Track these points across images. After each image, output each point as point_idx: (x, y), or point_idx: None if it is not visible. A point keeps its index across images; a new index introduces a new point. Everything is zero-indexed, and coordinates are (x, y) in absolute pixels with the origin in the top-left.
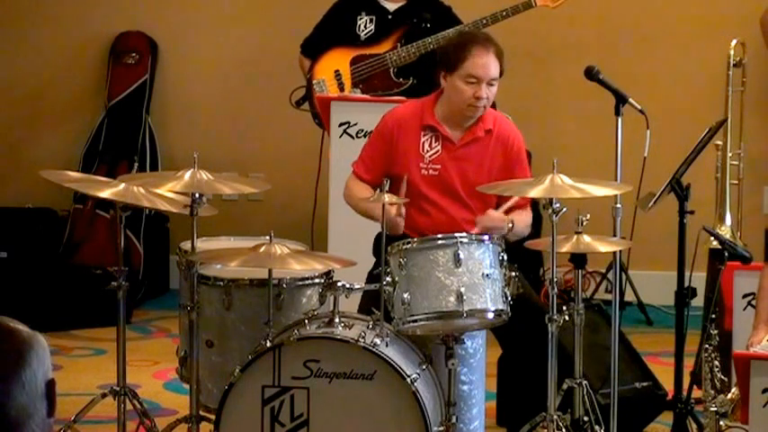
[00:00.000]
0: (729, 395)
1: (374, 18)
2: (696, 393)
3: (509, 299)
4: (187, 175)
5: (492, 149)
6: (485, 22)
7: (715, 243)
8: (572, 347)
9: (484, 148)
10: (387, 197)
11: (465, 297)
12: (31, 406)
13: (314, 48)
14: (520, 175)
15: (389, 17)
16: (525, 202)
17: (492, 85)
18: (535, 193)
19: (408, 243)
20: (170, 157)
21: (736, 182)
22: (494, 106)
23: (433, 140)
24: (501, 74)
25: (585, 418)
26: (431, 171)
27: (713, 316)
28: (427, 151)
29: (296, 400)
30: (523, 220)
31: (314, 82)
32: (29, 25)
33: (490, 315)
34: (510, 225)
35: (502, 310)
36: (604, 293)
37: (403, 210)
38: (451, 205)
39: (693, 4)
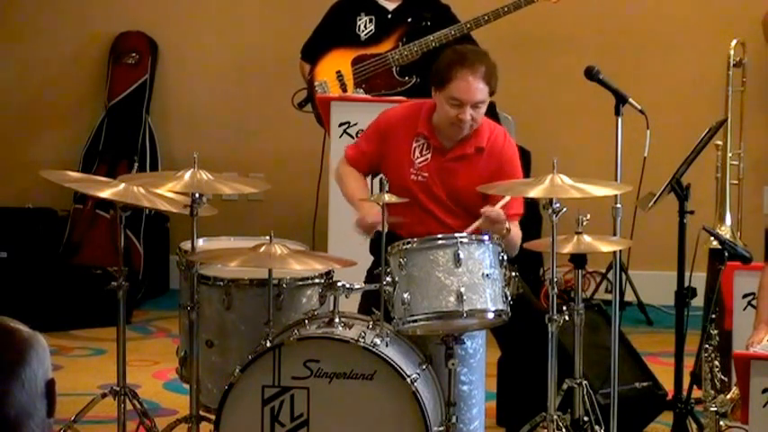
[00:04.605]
0: (729, 395)
1: (373, 18)
2: (696, 393)
3: (509, 299)
4: (187, 175)
5: (482, 167)
6: (486, 18)
7: (715, 243)
8: (572, 347)
9: (472, 165)
10: (387, 197)
11: (465, 297)
12: (31, 406)
13: (314, 52)
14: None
15: (389, 16)
16: (515, 213)
17: (478, 107)
18: (535, 193)
19: (408, 243)
20: (170, 157)
21: (736, 182)
22: (494, 106)
23: (425, 148)
24: (492, 93)
25: (585, 418)
26: (420, 177)
27: (713, 316)
28: (417, 158)
29: (296, 400)
30: (516, 232)
31: (316, 84)
32: (29, 25)
33: (490, 315)
34: (508, 227)
35: (502, 311)
36: (604, 293)
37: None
38: (441, 212)
39: (694, 4)
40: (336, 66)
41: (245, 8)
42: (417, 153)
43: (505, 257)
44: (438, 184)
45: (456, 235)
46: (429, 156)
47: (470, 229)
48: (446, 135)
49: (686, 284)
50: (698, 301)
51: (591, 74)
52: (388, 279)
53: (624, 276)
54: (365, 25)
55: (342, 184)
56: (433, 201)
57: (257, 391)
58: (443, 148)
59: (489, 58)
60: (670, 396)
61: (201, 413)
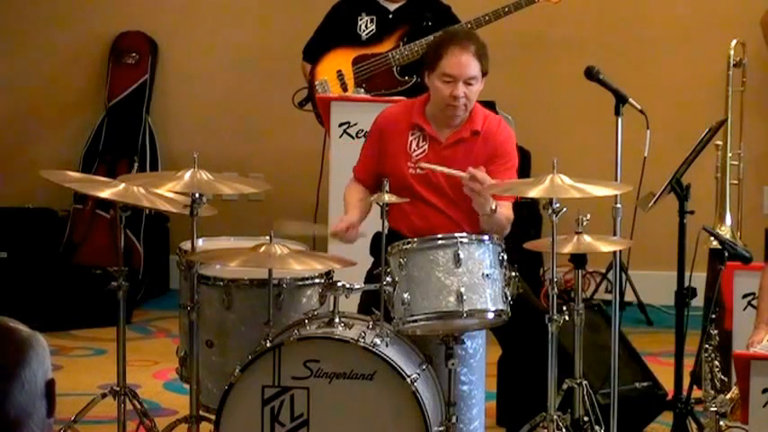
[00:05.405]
0: (729, 395)
1: (375, 18)
2: (696, 393)
3: (509, 299)
4: (187, 175)
5: (477, 150)
6: (487, 18)
7: (715, 243)
8: (572, 347)
9: (469, 150)
10: (387, 197)
11: (465, 297)
12: (31, 406)
13: (315, 52)
14: (498, 175)
15: (390, 17)
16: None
17: (470, 84)
18: (535, 193)
19: (408, 243)
20: (170, 157)
21: (736, 182)
22: (494, 106)
23: (421, 140)
24: (485, 73)
25: (585, 418)
26: (418, 170)
27: (713, 316)
28: (414, 150)
29: (296, 400)
30: (505, 213)
31: (316, 83)
32: (29, 25)
33: (490, 315)
34: (494, 206)
35: (502, 311)
36: (604, 293)
37: (352, 229)
38: (444, 205)
39: (694, 4)
40: (337, 65)
41: (245, 8)
42: (414, 146)
43: (505, 257)
44: (438, 174)
45: (456, 235)
46: (426, 146)
47: (450, 171)
48: (442, 121)
49: (686, 284)
50: (698, 301)
51: (591, 74)
52: (388, 279)
53: (624, 276)
54: (366, 25)
55: (344, 201)
56: (434, 193)
57: (257, 391)
58: (439, 136)
59: (479, 38)
60: (670, 396)
61: (201, 413)
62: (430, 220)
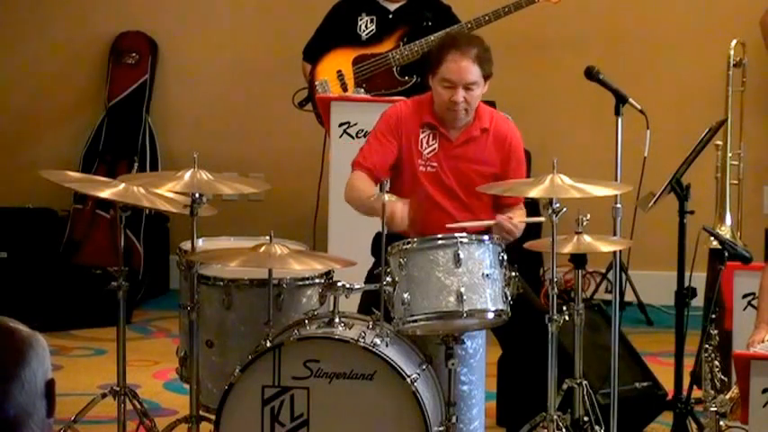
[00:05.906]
0: (729, 394)
1: (375, 18)
2: (696, 393)
3: (509, 299)
4: (187, 175)
5: (489, 148)
6: (486, 18)
7: (715, 243)
8: (572, 347)
9: (481, 147)
10: (387, 196)
11: (465, 297)
12: (31, 406)
13: (315, 52)
14: (515, 175)
15: (390, 17)
16: (519, 201)
17: (470, 89)
18: (535, 193)
19: (408, 243)
20: (170, 157)
21: (736, 182)
22: (494, 105)
23: (431, 138)
24: (487, 77)
25: (585, 418)
26: (428, 168)
27: (713, 316)
28: (425, 148)
29: (296, 400)
30: (521, 226)
31: (316, 83)
32: (29, 25)
33: (490, 315)
34: (519, 235)
35: (502, 311)
36: (604, 293)
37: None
38: (452, 205)
39: (694, 4)
40: (337, 65)
41: (245, 8)
42: (425, 143)
43: (505, 257)
44: (448, 173)
45: (456, 235)
46: (436, 145)
47: (478, 224)
48: (447, 122)
49: (686, 284)
50: (698, 301)
51: (591, 74)
52: (388, 279)
53: (624, 276)
54: (366, 25)
55: (355, 195)
56: (444, 194)
57: (257, 391)
58: (450, 135)
59: (482, 42)
60: (670, 396)
61: (201, 413)
62: (437, 222)
